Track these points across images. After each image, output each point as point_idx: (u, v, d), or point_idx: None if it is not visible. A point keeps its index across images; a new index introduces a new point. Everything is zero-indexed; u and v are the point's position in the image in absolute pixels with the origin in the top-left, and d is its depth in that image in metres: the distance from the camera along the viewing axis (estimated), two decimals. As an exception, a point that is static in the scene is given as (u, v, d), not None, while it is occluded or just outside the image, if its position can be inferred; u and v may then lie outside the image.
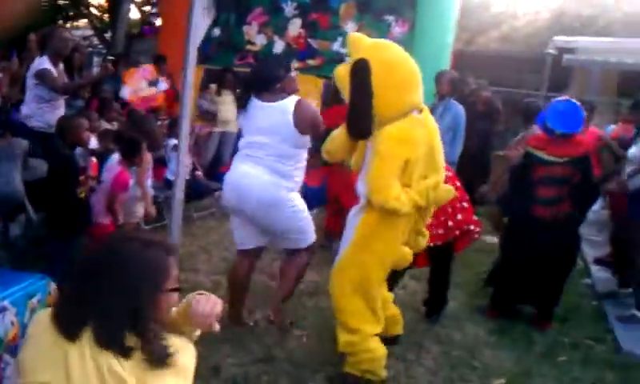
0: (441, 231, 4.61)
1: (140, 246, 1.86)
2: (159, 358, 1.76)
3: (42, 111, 5.68)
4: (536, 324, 5.09)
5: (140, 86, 8.02)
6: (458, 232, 4.68)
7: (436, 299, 5.06)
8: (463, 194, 4.71)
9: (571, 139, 4.91)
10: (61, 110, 5.81)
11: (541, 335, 4.95)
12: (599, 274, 6.37)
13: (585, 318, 5.41)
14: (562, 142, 4.89)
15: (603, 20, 16.53)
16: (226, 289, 5.19)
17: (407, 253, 4.00)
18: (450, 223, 4.64)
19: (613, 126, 8.47)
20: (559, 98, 5.16)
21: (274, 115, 4.08)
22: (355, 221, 3.82)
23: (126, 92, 7.90)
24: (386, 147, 3.53)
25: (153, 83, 8.04)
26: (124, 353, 1.71)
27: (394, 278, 4.45)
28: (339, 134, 3.84)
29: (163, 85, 8.12)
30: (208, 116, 8.99)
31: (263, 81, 4.20)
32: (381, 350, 3.87)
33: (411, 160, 3.56)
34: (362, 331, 3.80)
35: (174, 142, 6.81)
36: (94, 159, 5.32)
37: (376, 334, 3.88)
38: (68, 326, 1.73)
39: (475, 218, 4.81)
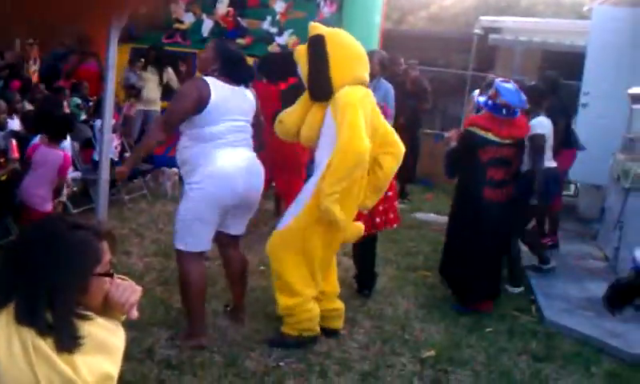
0: (377, 220, 4.86)
1: (68, 227, 1.83)
2: (66, 343, 1.74)
3: None
4: (483, 306, 5.04)
5: None
6: (378, 220, 4.91)
7: (365, 275, 5.17)
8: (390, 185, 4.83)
9: (514, 121, 4.90)
10: None
11: (469, 308, 5.10)
12: (523, 248, 6.58)
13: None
14: (508, 123, 4.86)
15: (528, 0, 16.98)
16: (157, 271, 5.16)
17: (359, 227, 4.18)
18: (378, 219, 4.89)
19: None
20: (501, 79, 5.13)
21: (247, 99, 4.08)
22: (312, 188, 3.95)
23: None
24: (348, 103, 3.84)
25: None
26: (42, 331, 1.69)
27: None
28: (296, 108, 4.18)
29: None
30: (133, 91, 8.78)
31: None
32: (317, 308, 4.08)
33: (365, 117, 3.88)
34: (304, 294, 4.00)
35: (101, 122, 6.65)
36: (14, 141, 5.16)
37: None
38: None
39: (395, 209, 5.08)
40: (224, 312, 4.51)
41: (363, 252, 5.16)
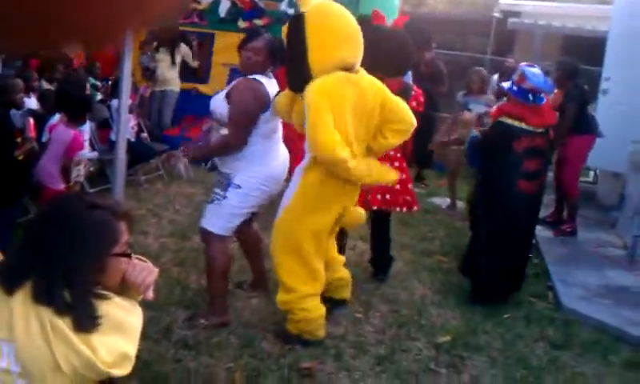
0: (379, 197, 4.76)
1: (86, 207, 1.83)
2: (85, 323, 1.74)
3: None
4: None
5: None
6: (391, 201, 4.86)
7: (381, 259, 5.14)
8: (403, 168, 4.84)
9: (542, 108, 4.73)
10: None
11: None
12: (542, 233, 6.53)
13: (527, 276, 5.54)
14: (537, 110, 4.69)
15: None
16: (173, 251, 5.17)
17: (360, 213, 4.04)
18: (388, 196, 4.80)
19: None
20: (525, 64, 4.97)
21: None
22: (298, 177, 3.85)
23: None
24: (315, 96, 3.55)
25: None
26: (60, 310, 1.69)
27: (341, 240, 4.54)
28: (283, 93, 3.90)
29: None
30: (147, 73, 8.79)
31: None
32: (317, 310, 3.91)
33: (335, 110, 3.56)
34: (298, 291, 3.84)
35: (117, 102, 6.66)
36: (31, 120, 5.16)
37: (321, 295, 3.96)
38: (9, 281, 1.72)
39: (411, 192, 4.98)
40: (235, 287, 4.57)
41: (377, 236, 5.14)
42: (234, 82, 4.03)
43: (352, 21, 3.71)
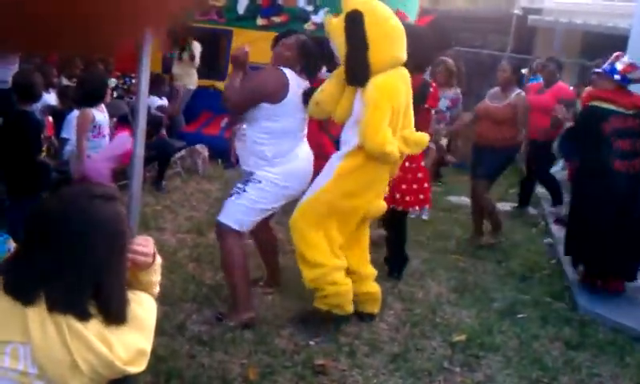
0: (398, 196, 4.78)
1: (93, 198, 1.78)
2: (117, 316, 1.74)
3: None
4: (612, 286, 5.09)
5: None
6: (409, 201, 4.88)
7: (396, 257, 5.14)
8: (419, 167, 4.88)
9: (630, 91, 4.93)
10: (15, 67, 5.70)
11: (500, 293, 5.05)
12: (560, 233, 6.48)
13: (544, 276, 5.52)
14: (628, 93, 4.90)
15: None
16: (190, 247, 5.20)
17: (381, 205, 4.14)
18: (408, 197, 4.84)
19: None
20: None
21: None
22: (337, 162, 3.96)
23: None
24: (378, 96, 3.76)
25: None
26: (82, 316, 1.68)
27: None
28: (329, 85, 3.99)
29: None
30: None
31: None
32: (346, 284, 4.01)
33: (394, 109, 3.81)
34: (325, 264, 3.93)
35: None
36: (50, 118, 5.21)
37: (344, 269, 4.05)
38: (21, 291, 1.68)
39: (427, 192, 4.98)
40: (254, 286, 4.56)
41: (393, 235, 5.14)
42: None
43: (396, 18, 3.91)
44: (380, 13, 3.84)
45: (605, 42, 10.08)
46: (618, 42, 8.82)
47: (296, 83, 3.95)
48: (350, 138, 3.93)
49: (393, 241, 5.17)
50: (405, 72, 3.96)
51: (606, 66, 4.98)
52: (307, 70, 4.06)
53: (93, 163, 5.02)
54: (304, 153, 4.11)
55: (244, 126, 4.08)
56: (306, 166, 4.09)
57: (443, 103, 6.44)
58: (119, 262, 1.80)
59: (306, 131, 4.17)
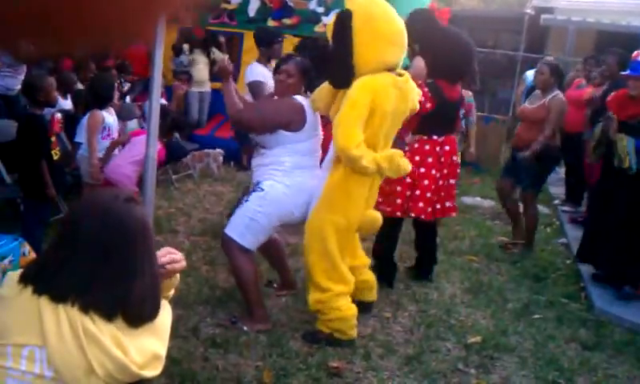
0: (429, 209, 4.70)
1: (131, 205, 1.81)
2: (149, 316, 1.76)
3: (3, 74, 5.71)
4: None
5: None
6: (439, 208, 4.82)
7: (427, 261, 5.12)
8: (454, 171, 4.84)
9: None
10: (23, 75, 5.83)
11: (515, 294, 5.02)
12: (574, 233, 6.44)
13: (559, 277, 5.48)
14: None
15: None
16: (203, 250, 5.21)
17: (377, 218, 4.03)
18: (438, 205, 4.76)
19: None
20: None
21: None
22: (325, 174, 3.89)
23: None
24: (357, 93, 3.63)
25: None
26: (109, 317, 1.70)
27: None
28: (324, 86, 3.92)
29: None
30: (184, 76, 8.91)
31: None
32: (350, 309, 3.91)
33: (377, 110, 3.64)
34: (330, 289, 3.85)
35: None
36: (58, 115, 5.23)
37: (349, 295, 3.96)
38: (53, 290, 1.69)
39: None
40: (265, 285, 4.60)
41: (425, 240, 5.10)
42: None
43: (398, 20, 3.75)
44: (374, 13, 3.68)
45: (618, 41, 10.00)
46: (631, 40, 8.77)
47: (307, 104, 3.96)
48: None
49: (426, 247, 5.13)
50: (403, 79, 3.79)
51: (633, 66, 4.88)
52: (308, 87, 4.07)
53: (118, 167, 5.05)
54: (316, 175, 3.99)
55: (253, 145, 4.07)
56: (313, 186, 3.93)
57: None
58: (151, 264, 1.83)
59: (319, 154, 4.12)
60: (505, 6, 15.78)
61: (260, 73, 5.74)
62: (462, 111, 6.52)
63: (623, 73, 5.06)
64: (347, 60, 3.65)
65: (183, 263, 2.04)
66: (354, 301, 4.04)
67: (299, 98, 3.95)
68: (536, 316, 4.64)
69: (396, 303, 4.58)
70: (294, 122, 3.88)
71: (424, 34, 4.57)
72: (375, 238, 4.93)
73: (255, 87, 5.59)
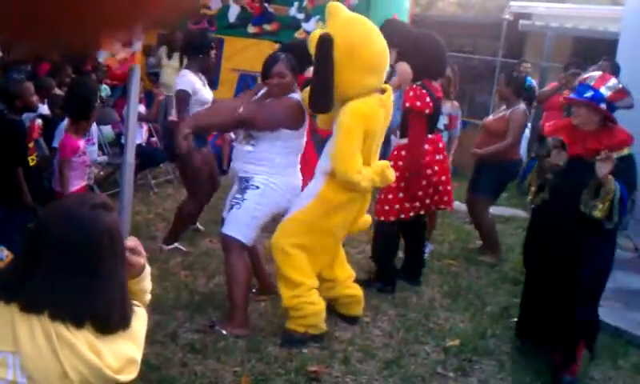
0: (417, 204, 4.84)
1: (100, 211, 1.79)
2: (119, 323, 1.74)
3: None
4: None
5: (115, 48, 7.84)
6: (434, 207, 5.06)
7: (415, 264, 5.19)
8: (445, 170, 4.97)
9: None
10: None
11: (494, 297, 5.05)
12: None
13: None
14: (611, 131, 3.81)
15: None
16: (182, 255, 5.19)
17: (366, 219, 4.19)
18: (428, 200, 4.89)
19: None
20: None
21: None
22: (319, 185, 3.93)
23: (101, 56, 7.73)
24: (351, 121, 3.73)
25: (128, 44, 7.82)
26: (76, 325, 1.68)
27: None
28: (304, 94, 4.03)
29: (139, 44, 7.94)
30: (152, 77, 8.85)
31: None
32: (321, 303, 4.00)
33: (369, 134, 3.79)
34: (305, 284, 3.91)
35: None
36: (38, 121, 5.16)
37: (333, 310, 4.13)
38: (25, 300, 1.67)
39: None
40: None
41: (413, 242, 5.19)
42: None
43: (379, 40, 3.83)
44: (355, 38, 3.74)
45: (595, 47, 10.13)
46: (607, 46, 8.87)
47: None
48: (327, 159, 3.92)
49: (413, 249, 5.22)
50: (386, 96, 3.90)
51: (585, 89, 3.72)
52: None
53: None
54: (298, 170, 4.13)
55: (243, 135, 4.06)
56: (299, 181, 4.11)
57: (441, 121, 5.71)
58: (121, 270, 1.81)
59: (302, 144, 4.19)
60: (483, 12, 15.91)
61: (189, 81, 5.20)
62: (444, 123, 6.37)
63: (567, 96, 4.12)
64: (328, 88, 3.73)
65: (143, 261, 2.01)
66: (340, 315, 4.26)
67: (296, 96, 4.00)
68: (514, 319, 4.64)
69: (375, 308, 4.59)
70: (298, 121, 3.96)
71: (401, 41, 4.81)
72: (374, 247, 5.08)
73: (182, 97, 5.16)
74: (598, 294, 3.88)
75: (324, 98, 3.76)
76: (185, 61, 8.03)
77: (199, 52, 5.32)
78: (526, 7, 12.63)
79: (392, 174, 4.05)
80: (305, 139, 4.16)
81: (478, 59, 12.41)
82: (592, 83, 3.72)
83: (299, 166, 4.14)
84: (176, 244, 5.32)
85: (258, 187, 3.91)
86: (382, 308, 4.62)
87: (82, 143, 4.91)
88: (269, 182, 3.92)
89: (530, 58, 10.79)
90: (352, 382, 3.66)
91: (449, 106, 6.37)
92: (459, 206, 7.53)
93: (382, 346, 4.08)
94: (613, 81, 3.75)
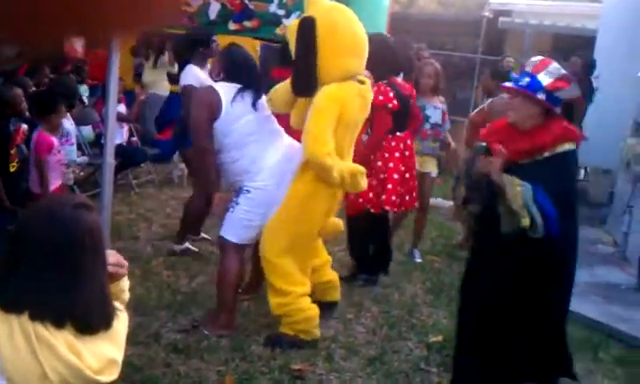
0: (398, 201, 4.88)
1: (82, 210, 1.77)
2: (90, 327, 1.73)
3: None
4: None
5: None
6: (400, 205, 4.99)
7: (385, 255, 5.21)
8: (413, 166, 5.03)
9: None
10: None
11: (476, 292, 5.07)
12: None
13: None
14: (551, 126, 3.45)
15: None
16: (164, 255, 5.16)
17: (338, 223, 4.19)
18: (407, 197, 4.97)
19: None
20: None
21: None
22: (290, 183, 3.89)
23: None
24: (326, 103, 3.66)
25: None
26: (56, 325, 1.67)
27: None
28: (283, 86, 3.95)
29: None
30: (137, 78, 8.85)
31: None
32: (313, 309, 3.94)
33: (342, 120, 3.70)
34: (293, 292, 3.86)
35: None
36: (24, 126, 5.10)
37: (308, 295, 3.98)
38: (2, 299, 1.66)
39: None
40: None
41: (378, 235, 5.18)
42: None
43: (359, 28, 3.79)
44: (337, 21, 3.72)
45: (574, 43, 10.24)
46: (585, 42, 8.97)
47: (226, 91, 3.89)
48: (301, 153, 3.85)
49: (379, 241, 5.22)
50: (365, 87, 3.84)
51: (522, 76, 3.17)
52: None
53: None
54: (285, 146, 4.01)
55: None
56: (281, 159, 3.93)
57: (434, 114, 5.62)
58: (102, 271, 1.80)
59: (273, 127, 4.06)
60: (463, 10, 15.97)
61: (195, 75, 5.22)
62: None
63: (503, 85, 3.40)
64: (311, 69, 3.68)
65: (124, 271, 1.99)
66: (318, 302, 4.06)
67: (217, 86, 3.96)
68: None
69: (358, 304, 4.60)
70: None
71: None
72: (350, 243, 5.15)
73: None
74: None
75: (306, 79, 3.71)
76: (159, 61, 7.94)
77: (198, 45, 5.35)
78: (505, 4, 12.72)
79: (364, 182, 3.92)
80: (250, 124, 3.92)
81: (459, 56, 12.47)
82: (530, 68, 3.13)
83: (280, 143, 4.00)
84: (187, 244, 5.30)
85: (249, 191, 3.90)
86: (365, 305, 4.63)
87: (55, 141, 4.86)
88: (257, 185, 3.89)
89: (510, 55, 10.85)
90: (336, 380, 3.66)
91: (438, 102, 5.97)
92: (442, 202, 7.59)
93: (365, 343, 4.09)
94: (554, 65, 3.12)
